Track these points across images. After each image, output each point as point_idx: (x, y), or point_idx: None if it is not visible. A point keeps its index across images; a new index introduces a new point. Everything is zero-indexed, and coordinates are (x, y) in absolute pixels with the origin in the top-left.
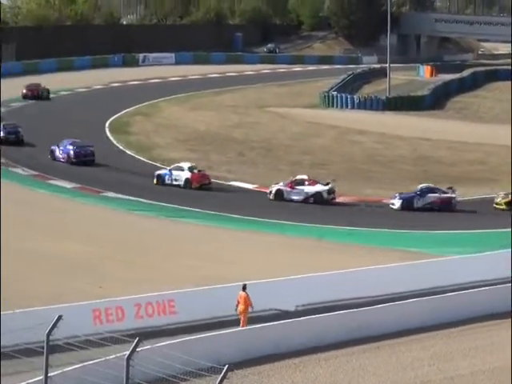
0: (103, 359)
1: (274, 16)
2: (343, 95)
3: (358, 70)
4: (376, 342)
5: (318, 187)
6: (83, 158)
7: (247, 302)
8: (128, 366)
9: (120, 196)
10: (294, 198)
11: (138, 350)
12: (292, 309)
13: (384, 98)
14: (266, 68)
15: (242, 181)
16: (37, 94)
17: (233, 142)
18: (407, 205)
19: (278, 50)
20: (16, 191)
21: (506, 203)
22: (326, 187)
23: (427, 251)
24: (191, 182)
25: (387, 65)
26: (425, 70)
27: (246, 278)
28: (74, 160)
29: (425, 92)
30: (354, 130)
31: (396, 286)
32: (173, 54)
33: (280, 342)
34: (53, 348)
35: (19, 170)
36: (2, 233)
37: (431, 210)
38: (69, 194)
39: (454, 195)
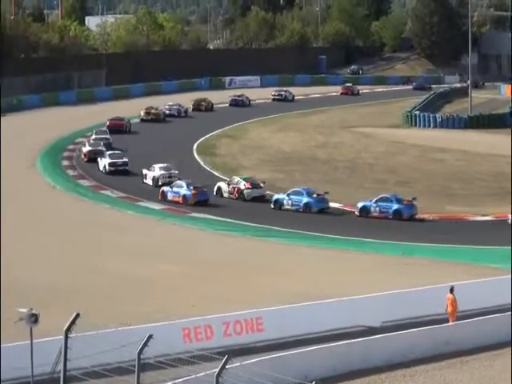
0: (193, 377)
1: (356, 38)
2: (425, 114)
3: (440, 90)
4: (461, 357)
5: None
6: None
7: (454, 304)
8: (217, 383)
9: (207, 216)
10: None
11: (227, 367)
12: (378, 325)
13: (466, 116)
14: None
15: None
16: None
17: (317, 162)
18: None
19: (361, 72)
20: (105, 213)
21: None
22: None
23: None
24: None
25: (468, 84)
26: (506, 89)
27: (331, 295)
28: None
29: (506, 110)
30: (436, 148)
31: (480, 302)
32: (258, 77)
33: (366, 358)
34: (144, 366)
35: (108, 192)
36: (94, 255)
37: None
38: (157, 215)
39: None
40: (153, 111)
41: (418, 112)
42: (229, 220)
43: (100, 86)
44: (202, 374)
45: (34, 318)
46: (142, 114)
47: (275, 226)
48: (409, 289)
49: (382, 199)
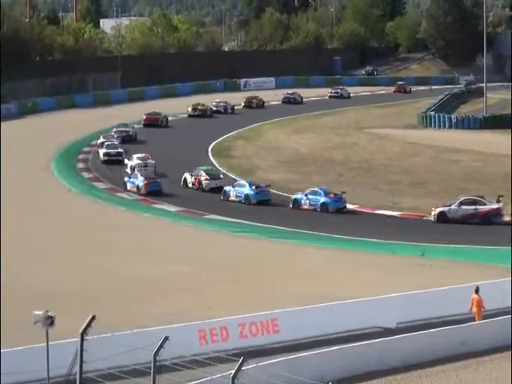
0: (209, 378)
1: (371, 39)
2: (441, 115)
3: (455, 90)
4: (477, 357)
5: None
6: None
7: (480, 304)
8: None
9: (223, 218)
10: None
11: (243, 368)
12: (393, 326)
13: (481, 116)
14: (364, 90)
15: None
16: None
17: (333, 163)
18: None
19: (376, 73)
20: (122, 216)
21: None
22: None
23: None
24: None
25: (484, 84)
26: None
27: (346, 296)
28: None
29: None
30: (452, 148)
31: (497, 302)
32: (273, 79)
33: (382, 359)
34: (160, 368)
35: (124, 195)
36: (109, 258)
37: None
38: (173, 217)
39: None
40: (200, 107)
41: (433, 113)
42: (244, 222)
43: (115, 88)
44: (217, 375)
45: (49, 321)
46: (190, 109)
47: (291, 227)
48: (424, 289)
49: (312, 192)
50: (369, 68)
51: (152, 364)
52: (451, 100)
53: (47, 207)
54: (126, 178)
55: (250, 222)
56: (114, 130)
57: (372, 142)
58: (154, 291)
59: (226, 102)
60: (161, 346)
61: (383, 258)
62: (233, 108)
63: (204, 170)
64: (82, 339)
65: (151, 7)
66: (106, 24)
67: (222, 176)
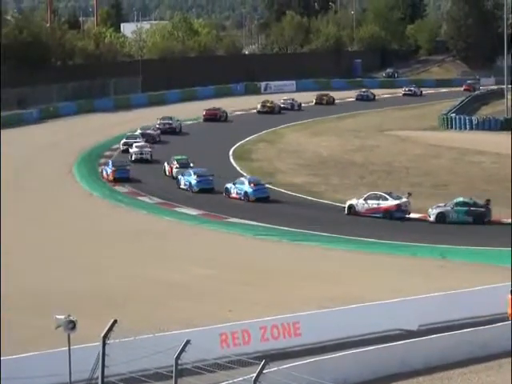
0: (231, 382)
1: (392, 42)
2: (462, 117)
3: (476, 92)
4: (498, 359)
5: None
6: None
7: None
8: None
9: (244, 221)
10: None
11: (264, 371)
12: (415, 328)
13: (502, 118)
14: (385, 92)
15: None
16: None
17: (354, 166)
18: None
19: (396, 75)
20: (142, 219)
21: None
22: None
23: None
24: None
25: (505, 86)
26: None
27: (368, 298)
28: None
29: None
30: (473, 150)
31: None
32: (294, 82)
33: (404, 361)
34: (181, 372)
35: (146, 199)
36: (130, 261)
37: None
38: (195, 221)
39: None
40: (268, 104)
41: (454, 114)
42: (266, 225)
43: (136, 92)
44: (239, 379)
45: (71, 325)
46: (259, 106)
47: (312, 230)
48: (446, 292)
49: (239, 181)
50: (389, 70)
51: (174, 368)
52: (472, 102)
53: (68, 211)
54: (103, 167)
55: (271, 225)
56: (158, 122)
57: (393, 144)
58: (175, 295)
59: (293, 100)
60: (182, 350)
61: (404, 259)
62: (300, 105)
63: (176, 159)
64: (104, 343)
65: (172, 11)
66: (127, 28)
67: (192, 165)
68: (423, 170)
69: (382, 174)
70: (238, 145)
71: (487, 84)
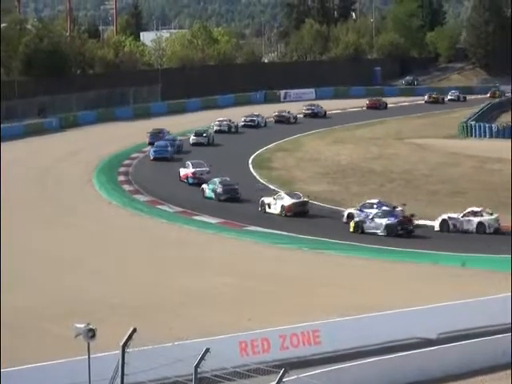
0: None
1: (411, 49)
2: (481, 125)
3: (496, 100)
4: None
5: None
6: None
7: None
8: None
9: (263, 230)
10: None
11: (284, 380)
12: (434, 337)
13: None
14: (405, 100)
15: None
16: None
17: (373, 174)
18: None
19: (416, 83)
20: (161, 228)
21: None
22: None
23: None
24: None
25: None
26: None
27: (387, 307)
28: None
29: None
30: (493, 158)
31: None
32: (313, 90)
33: (423, 370)
34: (201, 380)
35: (165, 207)
36: (150, 270)
37: None
38: (213, 229)
39: None
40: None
41: (473, 122)
42: (285, 233)
43: (156, 101)
44: None
45: (91, 334)
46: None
47: (331, 238)
48: (465, 300)
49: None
50: (409, 78)
51: (193, 376)
52: (492, 109)
53: (88, 220)
54: None
55: (290, 234)
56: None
57: (412, 152)
58: (194, 303)
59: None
60: (202, 358)
61: (424, 267)
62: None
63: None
64: (124, 352)
65: (191, 20)
66: (146, 37)
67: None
68: (442, 178)
69: (401, 182)
70: (256, 153)
71: (507, 91)
